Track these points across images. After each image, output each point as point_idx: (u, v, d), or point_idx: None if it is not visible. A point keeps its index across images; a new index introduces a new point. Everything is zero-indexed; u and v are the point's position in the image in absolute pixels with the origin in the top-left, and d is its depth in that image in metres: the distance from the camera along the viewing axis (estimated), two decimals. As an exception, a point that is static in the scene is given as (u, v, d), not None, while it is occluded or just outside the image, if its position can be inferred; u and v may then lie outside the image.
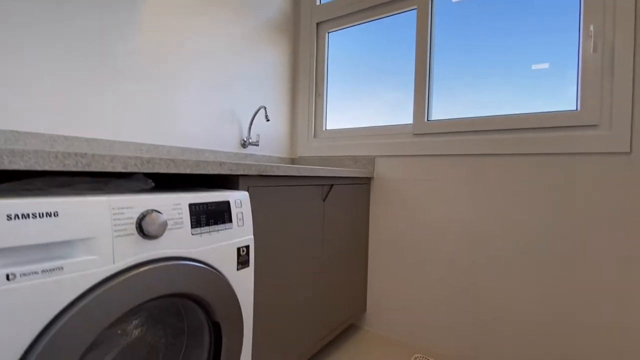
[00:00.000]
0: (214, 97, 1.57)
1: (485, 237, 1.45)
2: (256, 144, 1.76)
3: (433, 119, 1.64)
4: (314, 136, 2.04)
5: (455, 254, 1.52)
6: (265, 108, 1.66)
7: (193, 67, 1.47)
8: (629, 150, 1.18)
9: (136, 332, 0.84)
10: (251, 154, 1.78)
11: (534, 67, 1.46)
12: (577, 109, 1.30)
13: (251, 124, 1.72)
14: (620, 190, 1.20)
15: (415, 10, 1.68)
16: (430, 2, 1.63)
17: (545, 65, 1.43)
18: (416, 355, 1.52)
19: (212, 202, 0.79)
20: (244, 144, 1.73)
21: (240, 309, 0.83)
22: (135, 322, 0.82)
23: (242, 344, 0.84)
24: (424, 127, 1.63)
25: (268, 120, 1.65)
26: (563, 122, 1.30)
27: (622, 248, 1.19)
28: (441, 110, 1.63)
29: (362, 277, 1.74)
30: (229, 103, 1.64)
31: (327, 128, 2.03)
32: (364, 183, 1.72)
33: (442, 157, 1.56)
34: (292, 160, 2.08)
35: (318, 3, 2.03)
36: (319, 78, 2.04)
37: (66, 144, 1.08)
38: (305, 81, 2.05)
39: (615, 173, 1.21)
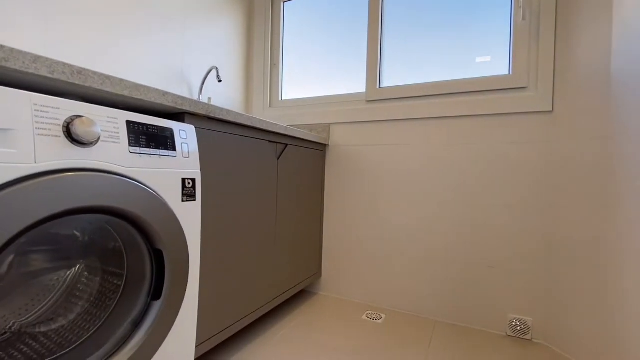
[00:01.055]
0: (162, 55, 1.49)
1: (432, 198, 1.54)
2: (208, 109, 1.69)
3: (384, 86, 1.71)
4: (270, 105, 2.02)
5: (405, 217, 1.59)
6: (217, 68, 1.61)
7: (142, 23, 1.38)
8: (551, 109, 1.33)
9: (71, 273, 0.77)
10: (203, 119, 1.72)
11: (478, 59, 1.56)
12: (509, 73, 1.42)
13: (202, 85, 1.66)
14: (544, 144, 1.34)
15: (368, -19, 1.73)
16: (381, -27, 1.69)
17: (488, 58, 1.54)
18: (368, 312, 1.57)
19: (154, 126, 0.75)
20: (194, 108, 1.66)
21: (185, 240, 0.80)
22: (69, 262, 0.76)
23: (187, 280, 0.81)
24: (375, 94, 1.69)
25: (220, 81, 1.60)
26: (498, 85, 1.42)
27: (545, 190, 1.34)
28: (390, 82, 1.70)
29: (317, 243, 1.75)
30: (178, 62, 1.57)
31: (283, 98, 2.02)
32: (320, 149, 1.73)
33: (393, 122, 1.63)
34: (247, 131, 2.04)
35: (273, -28, 2.01)
36: (274, 48, 2.02)
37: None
38: (260, 50, 2.02)
39: (540, 129, 1.35)
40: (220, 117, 1.02)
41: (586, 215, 1.15)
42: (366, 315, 1.53)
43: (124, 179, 0.66)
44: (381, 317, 1.52)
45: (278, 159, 1.38)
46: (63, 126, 0.58)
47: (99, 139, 0.62)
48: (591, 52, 1.15)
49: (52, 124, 0.56)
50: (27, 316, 0.71)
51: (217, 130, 1.04)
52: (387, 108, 1.63)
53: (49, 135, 0.56)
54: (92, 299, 0.76)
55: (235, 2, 1.92)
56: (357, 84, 1.81)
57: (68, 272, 0.78)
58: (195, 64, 1.66)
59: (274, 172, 1.35)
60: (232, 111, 1.06)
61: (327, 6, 1.92)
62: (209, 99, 1.70)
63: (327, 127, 1.78)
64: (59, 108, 0.57)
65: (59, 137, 0.57)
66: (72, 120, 0.58)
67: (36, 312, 0.72)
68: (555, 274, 1.30)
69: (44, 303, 0.73)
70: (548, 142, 1.33)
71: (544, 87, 1.33)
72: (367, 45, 1.72)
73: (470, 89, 1.47)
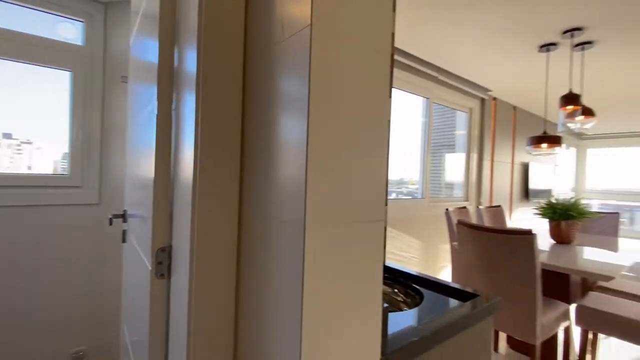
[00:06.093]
0: None
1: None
2: None
3: None
4: None
5: None
6: None
7: None
8: (98, 202, 2.00)
9: None
10: None
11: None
12: (69, 175, 1.96)
13: None
14: (95, 229, 1.99)
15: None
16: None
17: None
18: None
19: None
20: None
21: None
22: None
23: None
24: None
25: None
26: (61, 183, 1.92)
27: (95, 255, 1.99)
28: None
29: None
30: None
31: None
32: None
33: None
34: None
35: None
36: None
37: None
38: None
39: (92, 217, 1.99)
40: None
41: (118, 272, 1.90)
42: None
43: None
44: None
45: None
46: None
47: None
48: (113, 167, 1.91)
49: None
50: None
51: None
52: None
53: None
54: None
55: None
56: None
57: None
58: None
59: None
60: None
61: None
62: None
63: None
64: None
65: None
66: None
67: None
68: (105, 310, 1.98)
69: None
70: (97, 224, 2.00)
71: (93, 186, 1.99)
72: None
73: (36, 184, 1.86)
